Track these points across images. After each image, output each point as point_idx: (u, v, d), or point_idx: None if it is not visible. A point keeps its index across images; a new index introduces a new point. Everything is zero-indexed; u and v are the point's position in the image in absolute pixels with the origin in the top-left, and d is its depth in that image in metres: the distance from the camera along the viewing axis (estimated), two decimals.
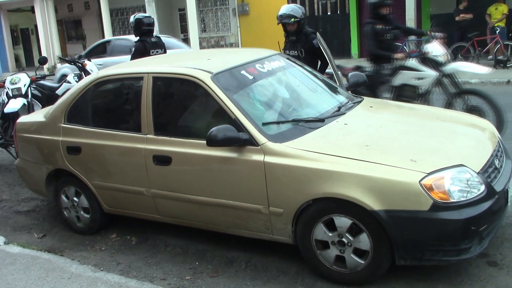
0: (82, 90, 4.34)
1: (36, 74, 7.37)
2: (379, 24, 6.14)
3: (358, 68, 6.50)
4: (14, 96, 6.57)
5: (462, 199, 2.97)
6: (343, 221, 3.17)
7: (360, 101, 4.27)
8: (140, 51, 6.54)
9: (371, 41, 6.17)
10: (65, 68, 9.02)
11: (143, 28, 6.74)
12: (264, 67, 4.10)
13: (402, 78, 6.03)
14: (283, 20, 5.63)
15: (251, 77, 3.92)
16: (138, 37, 6.79)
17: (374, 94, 6.10)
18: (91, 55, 11.53)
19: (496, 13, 13.00)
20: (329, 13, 17.55)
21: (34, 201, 5.55)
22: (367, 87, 5.97)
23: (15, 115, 6.17)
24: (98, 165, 4.24)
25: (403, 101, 5.64)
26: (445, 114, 4.23)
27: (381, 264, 3.16)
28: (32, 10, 22.70)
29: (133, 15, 6.93)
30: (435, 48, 6.01)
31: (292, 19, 5.56)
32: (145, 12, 18.27)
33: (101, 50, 12.94)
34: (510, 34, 13.41)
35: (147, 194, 3.99)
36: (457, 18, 13.28)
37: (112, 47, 12.84)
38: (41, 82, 7.29)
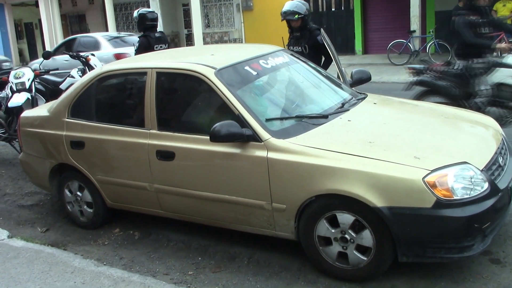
0: (86, 85, 4.35)
1: (40, 69, 7.38)
2: (472, 15, 5.48)
3: (449, 64, 5.88)
4: (18, 91, 6.58)
5: (466, 196, 2.96)
6: (346, 218, 3.18)
7: (364, 98, 4.26)
8: (144, 46, 6.55)
9: (465, 32, 5.42)
10: (36, 64, 9.45)
11: (146, 23, 6.74)
12: (268, 63, 4.09)
13: (498, 76, 5.38)
14: (287, 16, 5.61)
15: (254, 73, 3.91)
16: (142, 32, 6.80)
17: (466, 93, 5.45)
18: (60, 51, 12.38)
19: (504, 10, 12.93)
20: (333, 9, 17.51)
21: (38, 195, 5.57)
22: (458, 85, 5.49)
23: (19, 109, 6.19)
24: (101, 160, 4.25)
25: (498, 103, 5.25)
26: (449, 111, 4.22)
27: (383, 261, 3.16)
28: (36, 4, 22.72)
29: (136, 10, 6.93)
30: None
31: (296, 16, 5.54)
32: (149, 7, 18.28)
33: (68, 47, 13.50)
34: None
35: (150, 189, 4.00)
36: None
37: (77, 43, 13.47)
38: (45, 76, 7.31)
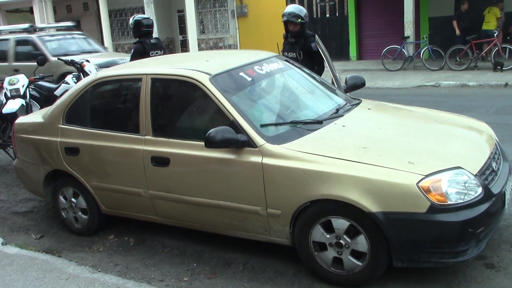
0: (81, 91, 4.35)
1: (34, 75, 7.36)
2: None
3: None
4: (13, 97, 6.56)
5: (460, 201, 2.98)
6: (340, 223, 3.18)
7: (358, 103, 4.28)
8: (139, 52, 6.56)
9: None
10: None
11: (142, 30, 6.75)
12: (262, 69, 4.11)
13: None
14: (290, 18, 5.54)
15: (249, 79, 3.92)
16: (137, 39, 6.81)
17: None
18: None
19: (489, 17, 13.07)
20: (327, 15, 17.58)
21: (32, 202, 5.54)
22: None
23: (14, 115, 6.17)
24: (96, 166, 4.24)
25: None
26: (443, 116, 4.24)
27: (378, 266, 3.17)
28: (31, 11, 22.69)
29: (132, 17, 6.94)
30: None
31: (299, 20, 5.54)
32: (144, 13, 18.30)
33: None
34: (508, 37, 13.45)
35: (145, 195, 3.99)
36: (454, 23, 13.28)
37: None
38: (40, 83, 7.28)
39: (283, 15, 5.63)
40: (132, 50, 6.75)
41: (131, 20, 6.88)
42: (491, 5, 13.11)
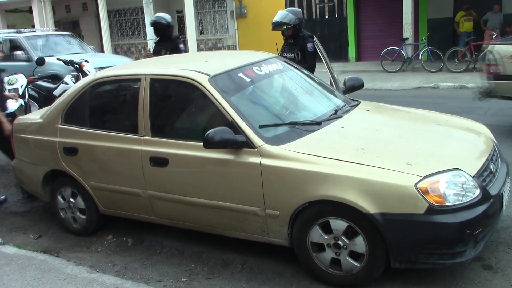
0: (80, 91, 4.35)
1: (33, 75, 7.37)
2: None
3: None
4: None
5: (457, 202, 2.98)
6: (339, 224, 3.18)
7: (357, 105, 4.28)
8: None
9: None
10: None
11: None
12: (261, 70, 4.11)
13: None
14: (275, 28, 5.71)
15: (248, 80, 3.93)
16: (158, 37, 6.81)
17: None
18: None
19: (461, 20, 13.34)
20: (326, 17, 17.60)
21: (30, 202, 5.54)
22: None
23: (12, 115, 6.17)
24: (94, 166, 4.24)
25: None
26: (441, 118, 4.25)
27: (376, 267, 3.17)
28: (30, 10, 22.68)
29: (156, 18, 6.84)
30: None
31: (284, 26, 5.62)
32: (143, 13, 18.32)
33: None
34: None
35: (143, 196, 3.99)
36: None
37: None
38: (39, 82, 7.29)
39: (271, 24, 5.71)
40: (181, 47, 6.70)
41: (163, 21, 6.75)
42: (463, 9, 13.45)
